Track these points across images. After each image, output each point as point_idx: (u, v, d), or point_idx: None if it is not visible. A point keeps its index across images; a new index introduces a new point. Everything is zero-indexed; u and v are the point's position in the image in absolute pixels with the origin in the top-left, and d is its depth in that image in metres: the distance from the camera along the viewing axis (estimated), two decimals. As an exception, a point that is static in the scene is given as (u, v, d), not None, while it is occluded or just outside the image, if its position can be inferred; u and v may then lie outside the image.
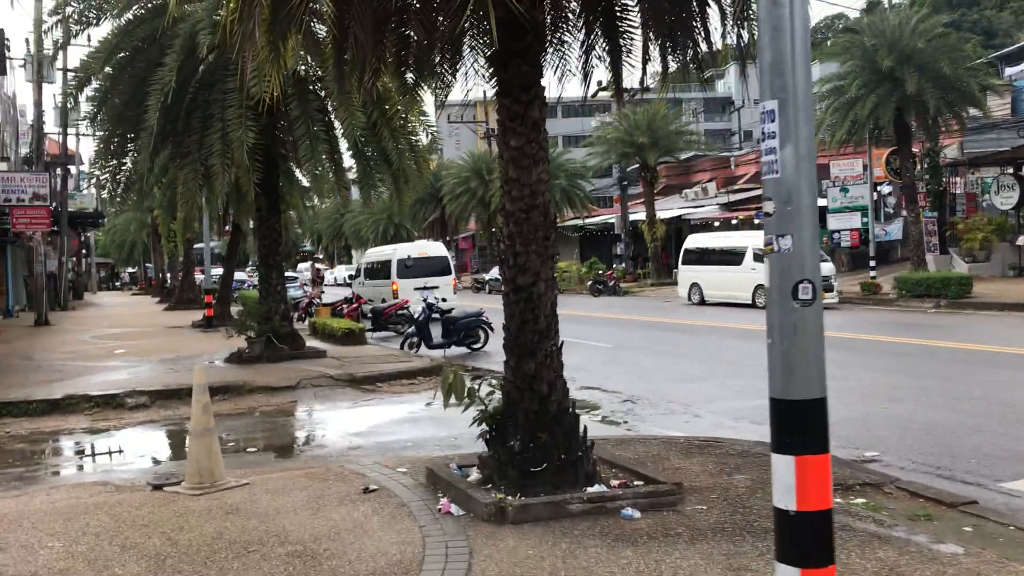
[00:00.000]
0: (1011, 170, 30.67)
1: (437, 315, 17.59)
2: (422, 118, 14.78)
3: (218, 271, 33.71)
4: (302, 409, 11.70)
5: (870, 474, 7.11)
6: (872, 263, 29.15)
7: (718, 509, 6.02)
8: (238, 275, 39.28)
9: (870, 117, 25.36)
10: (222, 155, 12.84)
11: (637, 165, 43.42)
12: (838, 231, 33.87)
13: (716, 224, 44.02)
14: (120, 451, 9.58)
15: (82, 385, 12.83)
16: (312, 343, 17.15)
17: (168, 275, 47.43)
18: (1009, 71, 36.60)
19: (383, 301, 26.72)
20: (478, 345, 18.04)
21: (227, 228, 31.54)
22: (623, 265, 44.24)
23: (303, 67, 13.56)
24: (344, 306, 24.88)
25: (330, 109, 13.75)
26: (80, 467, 9.31)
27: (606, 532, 5.55)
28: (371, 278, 29.07)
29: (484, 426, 6.66)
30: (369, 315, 23.22)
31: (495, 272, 47.08)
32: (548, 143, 6.55)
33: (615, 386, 12.69)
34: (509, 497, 5.96)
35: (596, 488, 6.26)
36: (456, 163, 55.01)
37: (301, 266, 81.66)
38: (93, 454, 9.65)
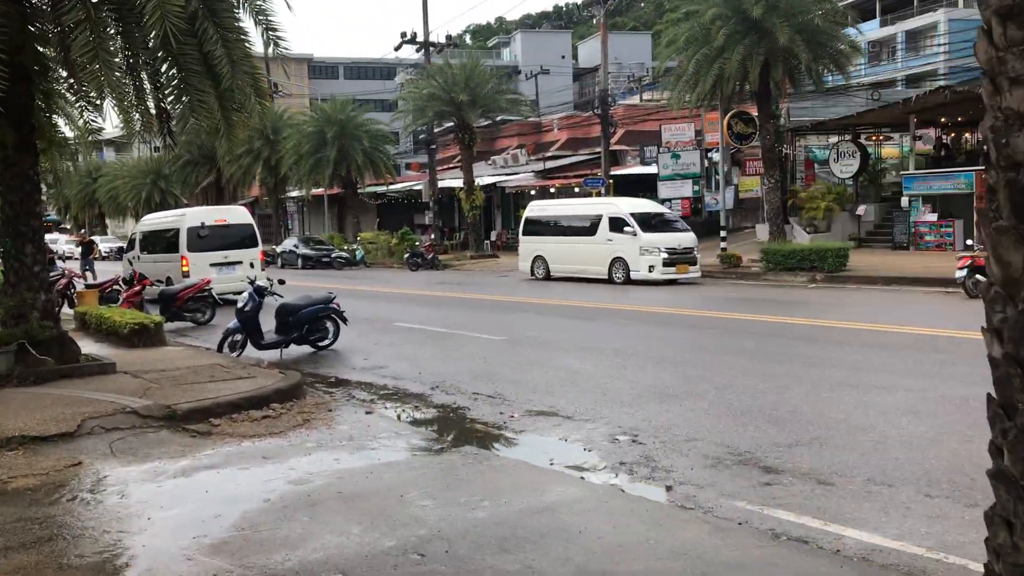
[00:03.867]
0: (849, 137, 29.83)
1: (257, 300, 12.76)
2: (262, 17, 9.98)
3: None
4: (91, 481, 6.81)
5: None
6: (723, 233, 27.12)
7: None
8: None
9: (737, 71, 22.88)
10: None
11: (451, 125, 39.44)
12: (669, 200, 31.89)
13: (532, 192, 41.15)
14: None
15: None
16: (87, 347, 11.84)
17: None
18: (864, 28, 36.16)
19: (166, 281, 21.16)
20: (326, 342, 13.53)
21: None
22: (432, 236, 40.26)
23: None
24: (119, 288, 19.09)
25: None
26: None
27: None
28: (151, 251, 23.16)
29: None
30: (157, 300, 17.78)
31: (289, 243, 41.62)
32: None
33: (633, 422, 8.80)
34: None
35: None
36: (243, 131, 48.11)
37: (50, 237, 70.52)
38: None
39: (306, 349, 13.36)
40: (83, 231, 34.37)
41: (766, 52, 22.81)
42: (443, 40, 42.53)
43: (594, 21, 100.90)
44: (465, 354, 12.44)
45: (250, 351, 12.88)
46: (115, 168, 64.89)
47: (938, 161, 28.51)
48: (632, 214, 23.33)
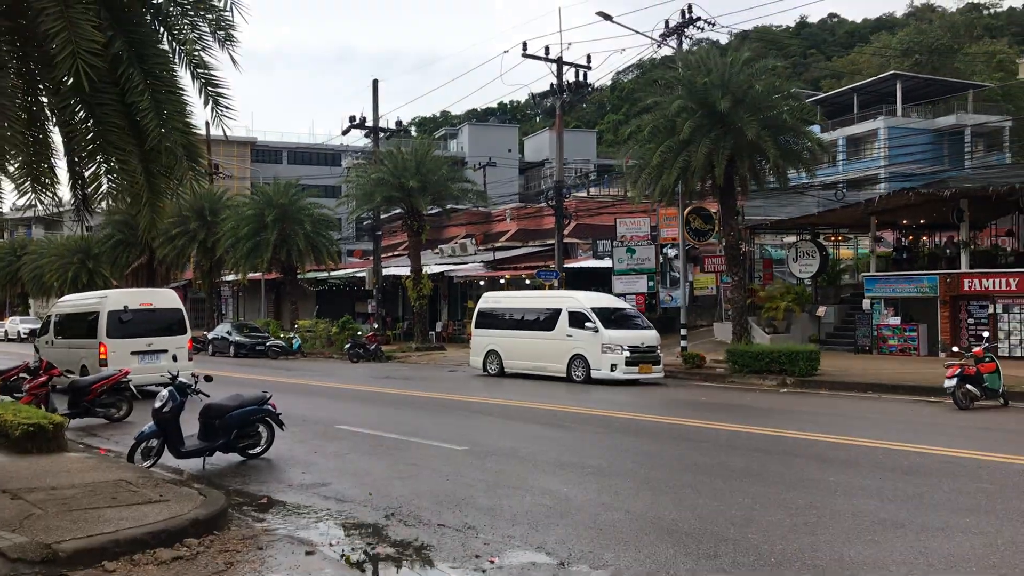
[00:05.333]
0: (808, 237, 29.28)
1: (178, 399, 10.87)
2: (202, 71, 8.45)
3: None
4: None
5: None
6: (683, 331, 25.95)
7: None
8: None
9: (703, 165, 22.04)
10: None
11: (399, 212, 38.09)
12: (623, 294, 30.76)
13: (481, 283, 39.86)
14: None
15: None
16: (-36, 454, 9.77)
17: None
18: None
19: (80, 370, 18.98)
20: (258, 449, 11.65)
21: None
22: (375, 325, 38.42)
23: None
24: (22, 377, 16.83)
25: (28, 9, 7.03)
26: None
27: None
28: (66, 336, 20.94)
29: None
30: (67, 392, 15.65)
31: (221, 329, 39.32)
32: None
33: None
34: None
35: None
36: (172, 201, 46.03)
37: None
38: None
39: (234, 457, 11.45)
40: None
41: (732, 147, 22.06)
42: (392, 126, 41.65)
43: (537, 119, 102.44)
44: (424, 469, 10.67)
45: (167, 458, 10.92)
46: (41, 246, 61.95)
47: (899, 263, 28.03)
48: (593, 308, 22.00)
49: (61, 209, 9.11)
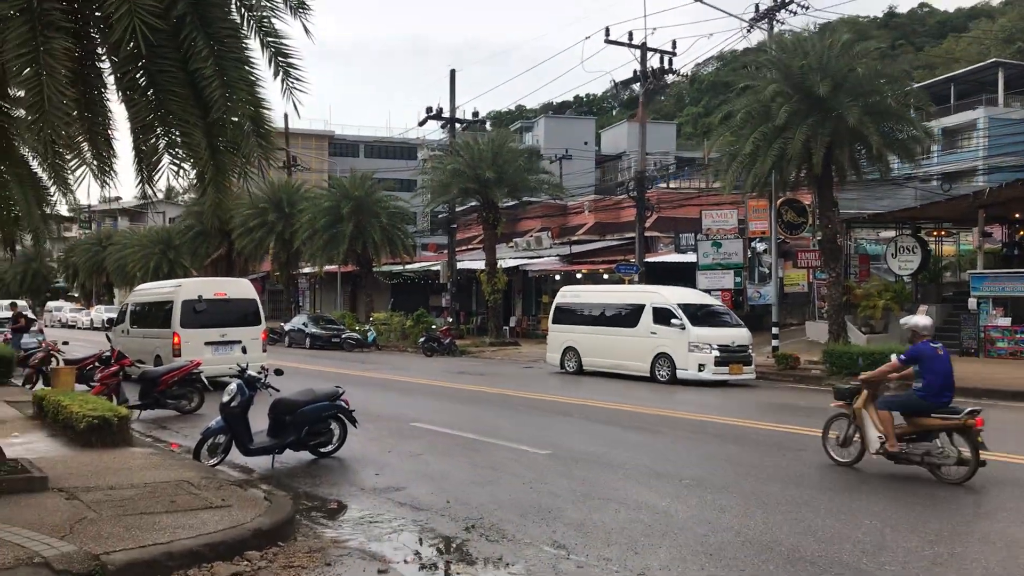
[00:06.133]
0: (909, 231, 27.53)
1: (246, 394, 10.25)
2: (272, 39, 7.74)
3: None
4: None
5: None
6: (775, 330, 24.59)
7: None
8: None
9: (801, 152, 20.67)
10: None
11: (473, 204, 37.43)
12: (708, 291, 29.43)
13: (557, 278, 38.95)
14: None
15: None
16: (34, 443, 9.31)
17: None
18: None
19: (154, 360, 18.71)
20: (329, 447, 10.97)
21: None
22: (450, 319, 37.83)
23: None
24: (96, 367, 16.62)
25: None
26: None
27: None
28: (141, 325, 20.79)
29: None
30: (138, 382, 15.34)
31: (298, 320, 39.31)
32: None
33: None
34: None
35: None
36: (248, 194, 46.28)
37: (52, 305, 68.30)
38: None
39: (305, 456, 10.80)
40: (13, 302, 31.05)
41: (831, 133, 20.63)
42: (469, 117, 41.02)
43: (614, 112, 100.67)
44: (504, 474, 9.83)
45: (235, 455, 10.34)
46: (125, 236, 63.40)
47: (1008, 260, 26.08)
48: (679, 304, 20.87)
49: (145, 201, 8.55)
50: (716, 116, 24.52)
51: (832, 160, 21.43)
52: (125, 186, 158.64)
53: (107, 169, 7.91)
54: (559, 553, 6.84)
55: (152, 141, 7.41)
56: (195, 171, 7.81)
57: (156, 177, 7.65)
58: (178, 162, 7.61)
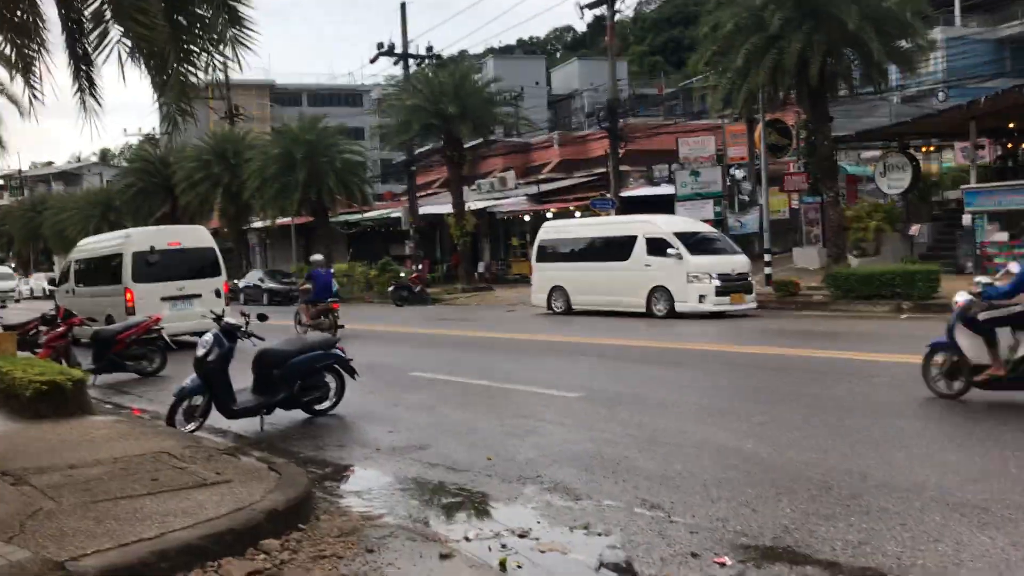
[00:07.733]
0: (897, 148, 26.37)
1: (226, 346, 8.59)
2: None
3: None
4: None
5: None
6: (767, 257, 23.39)
7: None
8: None
9: (796, 64, 19.24)
10: None
11: (432, 146, 35.46)
12: (689, 222, 28.15)
13: (526, 218, 37.40)
14: None
15: None
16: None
17: None
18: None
19: (105, 319, 16.80)
20: (326, 403, 9.36)
21: None
22: (418, 267, 36.05)
23: None
24: (40, 330, 14.68)
25: None
26: None
27: None
28: (88, 283, 18.79)
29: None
30: (90, 344, 13.51)
31: (253, 276, 37.26)
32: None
33: None
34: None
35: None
36: (193, 145, 43.57)
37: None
38: None
39: (297, 415, 9.20)
40: None
41: (828, 41, 19.19)
42: (423, 52, 38.77)
43: (557, 55, 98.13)
44: (540, 422, 8.36)
45: (215, 418, 8.71)
46: (61, 200, 60.09)
47: (1002, 173, 25.12)
48: (675, 233, 19.46)
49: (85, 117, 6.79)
50: (701, 29, 22.79)
51: (826, 71, 20.02)
52: (59, 150, 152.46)
53: (31, 74, 6.15)
54: (656, 515, 5.40)
55: (99, 28, 5.62)
56: (153, 61, 6.04)
57: (100, 67, 5.86)
58: (130, 46, 5.83)
